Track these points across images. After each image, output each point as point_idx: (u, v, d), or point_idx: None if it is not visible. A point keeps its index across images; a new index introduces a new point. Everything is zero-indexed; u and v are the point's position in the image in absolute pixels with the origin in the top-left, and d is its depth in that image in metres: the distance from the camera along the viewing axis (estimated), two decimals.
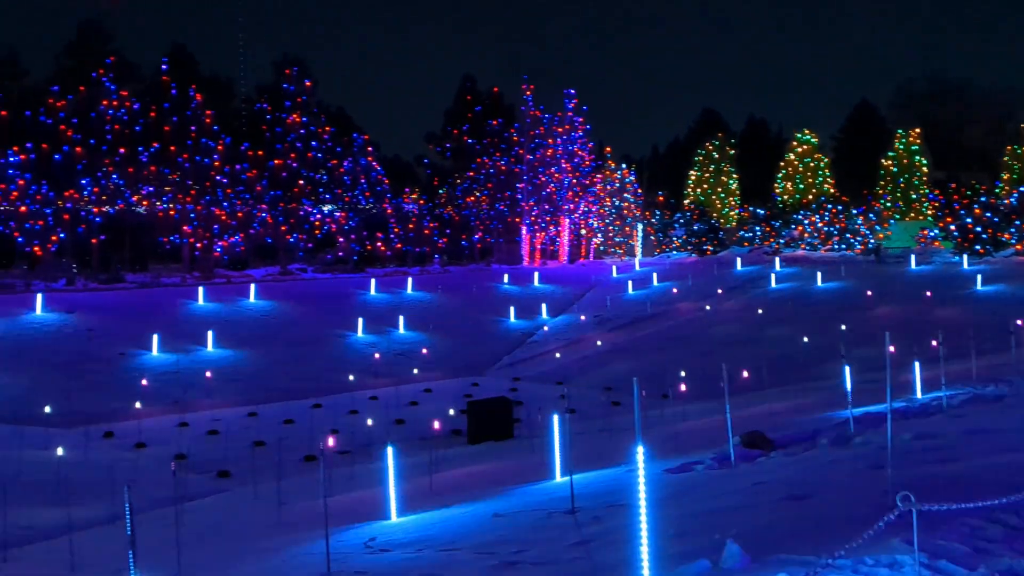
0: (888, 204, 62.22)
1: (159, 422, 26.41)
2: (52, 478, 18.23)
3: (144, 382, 29.41)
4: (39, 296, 36.79)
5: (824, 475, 10.77)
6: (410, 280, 47.73)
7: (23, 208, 49.36)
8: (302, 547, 10.92)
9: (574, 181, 65.01)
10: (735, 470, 12.37)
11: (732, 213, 70.36)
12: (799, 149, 67.68)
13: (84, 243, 52.26)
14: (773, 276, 46.32)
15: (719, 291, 45.43)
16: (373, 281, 46.31)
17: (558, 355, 37.70)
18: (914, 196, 63.16)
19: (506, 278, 50.67)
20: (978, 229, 47.91)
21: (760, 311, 39.93)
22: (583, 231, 66.12)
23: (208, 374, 30.98)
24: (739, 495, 10.30)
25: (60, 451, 21.25)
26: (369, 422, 24.29)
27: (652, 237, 65.85)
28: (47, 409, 25.85)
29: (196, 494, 18.87)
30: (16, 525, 14.45)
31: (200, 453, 22.74)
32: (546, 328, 43.00)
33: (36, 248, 50.35)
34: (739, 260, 53.00)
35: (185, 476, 18.30)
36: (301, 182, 59.01)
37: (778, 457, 12.99)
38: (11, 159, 48.99)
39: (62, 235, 50.84)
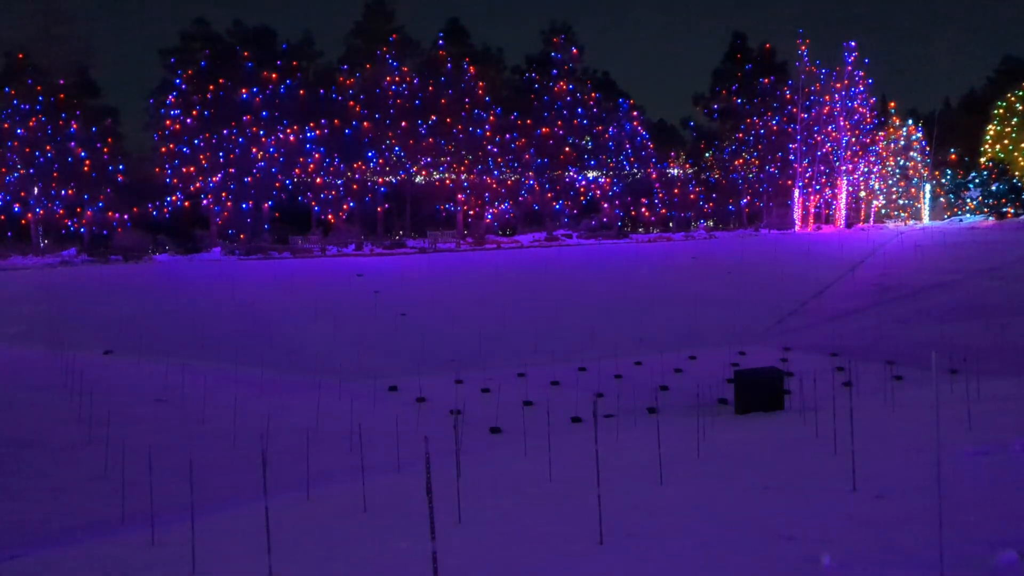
0: None
1: (437, 379, 28.09)
2: (345, 427, 19.89)
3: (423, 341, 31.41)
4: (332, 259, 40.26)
5: None
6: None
7: (319, 180, 54.11)
8: (573, 503, 11.11)
9: (853, 140, 61.02)
10: None
11: None
12: None
13: (371, 211, 56.47)
14: None
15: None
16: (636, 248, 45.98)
17: (833, 325, 35.71)
18: None
19: (776, 244, 48.67)
20: None
21: None
22: (862, 193, 62.05)
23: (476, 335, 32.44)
24: None
25: (351, 403, 23.17)
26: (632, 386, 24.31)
27: (941, 199, 60.59)
28: (339, 364, 28.31)
29: (470, 448, 19.85)
30: (317, 468, 15.90)
31: (474, 410, 23.94)
32: (821, 297, 40.88)
33: (330, 216, 55.13)
34: None
35: (461, 430, 19.25)
36: (567, 149, 59.90)
37: None
38: (308, 135, 53.76)
39: (351, 204, 55.23)
